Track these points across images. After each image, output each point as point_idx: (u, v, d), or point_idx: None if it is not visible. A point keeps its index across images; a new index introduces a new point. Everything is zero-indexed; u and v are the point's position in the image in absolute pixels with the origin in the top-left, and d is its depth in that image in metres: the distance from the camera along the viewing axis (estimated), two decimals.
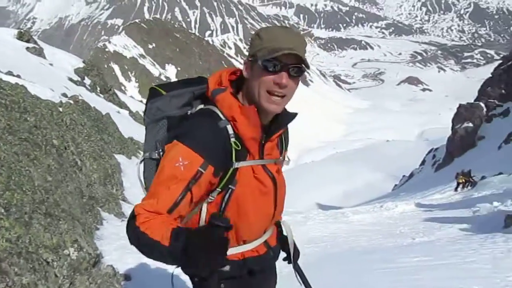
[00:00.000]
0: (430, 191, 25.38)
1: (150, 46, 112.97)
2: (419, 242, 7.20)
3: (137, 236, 1.48)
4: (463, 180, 22.02)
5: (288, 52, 1.56)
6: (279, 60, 1.57)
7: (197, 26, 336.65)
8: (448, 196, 18.66)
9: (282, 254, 2.03)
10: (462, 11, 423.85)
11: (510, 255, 5.24)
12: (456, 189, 21.83)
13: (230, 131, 1.64)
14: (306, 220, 11.58)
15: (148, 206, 1.53)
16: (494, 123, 48.99)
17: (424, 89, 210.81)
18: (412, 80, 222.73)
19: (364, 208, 15.42)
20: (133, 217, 1.53)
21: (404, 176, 55.26)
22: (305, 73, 1.68)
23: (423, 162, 56.41)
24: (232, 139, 1.64)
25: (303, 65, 1.61)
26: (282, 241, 2.00)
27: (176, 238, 1.43)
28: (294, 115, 1.79)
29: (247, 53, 1.71)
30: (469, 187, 21.41)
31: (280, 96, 1.62)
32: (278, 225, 2.01)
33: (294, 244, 2.01)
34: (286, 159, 1.96)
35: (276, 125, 1.74)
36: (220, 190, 1.66)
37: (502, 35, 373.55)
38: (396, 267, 5.32)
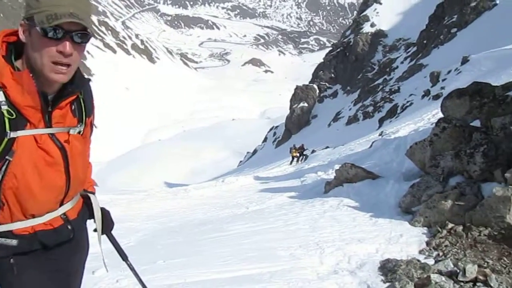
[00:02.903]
0: (271, 166, 27.27)
1: None
2: (251, 210, 7.65)
3: None
4: (297, 154, 24.19)
5: (70, 21, 1.47)
6: (60, 26, 1.47)
7: None
8: (284, 169, 20.20)
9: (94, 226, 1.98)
10: (300, 0, 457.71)
11: (324, 216, 5.91)
12: (291, 163, 23.85)
13: (1, 98, 1.50)
14: (147, 198, 11.44)
15: None
16: (325, 103, 54.83)
17: (266, 71, 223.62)
18: (255, 62, 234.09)
19: (207, 183, 15.82)
20: None
21: (248, 152, 58.35)
22: (91, 39, 1.61)
23: (265, 139, 60.31)
24: (4, 107, 1.50)
25: (88, 31, 1.54)
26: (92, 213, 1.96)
27: None
28: (85, 81, 1.74)
29: None
30: (302, 160, 23.59)
31: (66, 65, 1.53)
32: (87, 197, 1.94)
33: (108, 215, 2.03)
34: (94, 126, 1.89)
35: (64, 91, 1.63)
36: None
37: (333, 24, 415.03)
38: (227, 234, 5.58)
